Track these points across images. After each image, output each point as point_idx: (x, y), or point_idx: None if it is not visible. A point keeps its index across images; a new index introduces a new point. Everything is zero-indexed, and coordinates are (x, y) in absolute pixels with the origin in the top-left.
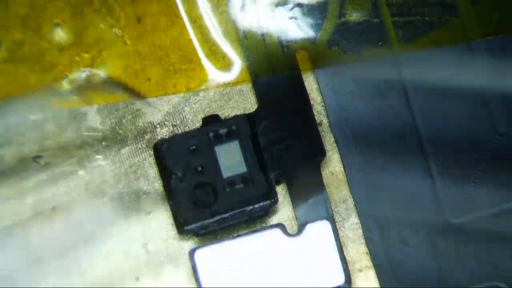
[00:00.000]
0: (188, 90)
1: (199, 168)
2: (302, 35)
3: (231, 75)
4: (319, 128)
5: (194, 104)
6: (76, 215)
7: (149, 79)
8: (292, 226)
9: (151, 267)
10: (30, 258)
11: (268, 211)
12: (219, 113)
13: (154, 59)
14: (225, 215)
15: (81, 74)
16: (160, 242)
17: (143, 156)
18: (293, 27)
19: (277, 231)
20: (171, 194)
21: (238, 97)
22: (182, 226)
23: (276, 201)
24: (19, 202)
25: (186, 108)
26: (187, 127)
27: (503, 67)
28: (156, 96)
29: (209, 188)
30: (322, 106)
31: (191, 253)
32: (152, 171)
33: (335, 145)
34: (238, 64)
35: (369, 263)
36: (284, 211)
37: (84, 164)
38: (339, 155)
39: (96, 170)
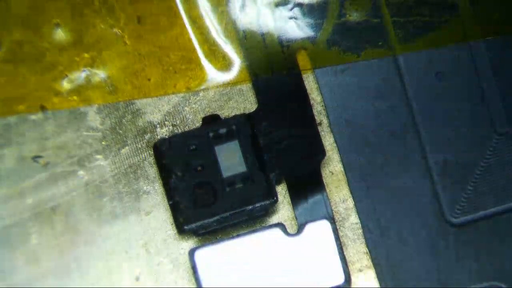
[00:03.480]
0: (188, 90)
1: (199, 168)
2: (302, 35)
3: (231, 75)
4: (319, 128)
5: (194, 104)
6: (76, 215)
7: (149, 79)
8: (292, 226)
9: (151, 267)
10: (30, 258)
11: (268, 211)
12: (219, 113)
13: (154, 59)
14: (225, 215)
15: (81, 74)
16: (160, 242)
17: (143, 156)
18: (293, 27)
19: (277, 231)
20: (171, 194)
21: (238, 97)
22: (182, 225)
23: (276, 201)
24: (19, 202)
25: (186, 108)
26: (187, 127)
27: (503, 67)
28: (156, 96)
29: (209, 188)
30: (322, 106)
31: (191, 253)
32: (152, 171)
33: (335, 145)
34: (238, 64)
35: (369, 263)
36: (284, 211)
37: (84, 164)
38: (339, 155)
39: (96, 170)
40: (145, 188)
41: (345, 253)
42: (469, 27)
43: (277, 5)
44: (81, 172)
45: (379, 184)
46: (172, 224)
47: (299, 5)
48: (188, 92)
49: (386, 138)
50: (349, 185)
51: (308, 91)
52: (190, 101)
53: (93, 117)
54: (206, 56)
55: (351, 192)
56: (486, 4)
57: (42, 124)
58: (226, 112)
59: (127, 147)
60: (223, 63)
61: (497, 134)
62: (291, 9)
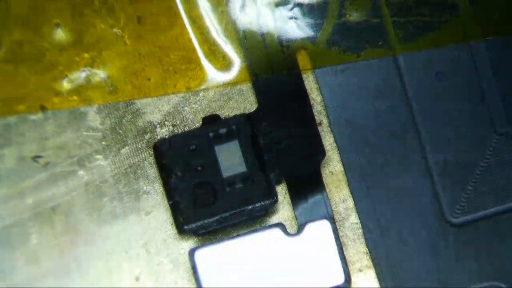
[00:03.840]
0: (188, 90)
1: (199, 168)
2: (302, 35)
3: (231, 75)
4: (319, 128)
5: (194, 104)
6: (76, 215)
7: (149, 79)
8: (292, 226)
9: (151, 267)
10: (30, 258)
11: (268, 211)
12: (219, 113)
13: (154, 59)
14: (225, 215)
15: (81, 74)
16: (160, 242)
17: (143, 156)
18: (293, 27)
19: (277, 231)
20: (171, 194)
21: (238, 97)
22: (182, 225)
23: (276, 201)
24: (19, 202)
25: (186, 108)
26: (187, 127)
27: (503, 67)
28: (156, 96)
29: (209, 188)
30: (322, 106)
31: (191, 253)
32: (152, 171)
33: (335, 145)
34: (238, 64)
35: (369, 263)
36: (284, 211)
37: (84, 164)
38: (339, 155)
39: (96, 170)
40: (145, 188)
41: (345, 253)
42: (469, 27)
43: (277, 5)
44: (81, 172)
45: (379, 184)
46: (172, 224)
47: (299, 5)
48: (188, 92)
49: (386, 138)
50: (349, 185)
51: (308, 91)
52: (190, 101)
53: (93, 117)
54: (206, 56)
55: (351, 192)
56: (486, 4)
57: (42, 124)
58: (226, 112)
59: (127, 147)
60: (223, 63)
61: (497, 134)
62: (291, 9)
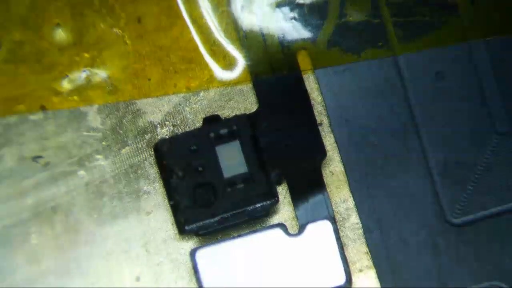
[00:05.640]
0: (188, 90)
1: (200, 168)
2: (303, 35)
3: (232, 75)
4: (320, 128)
5: (195, 104)
6: (76, 215)
7: (149, 79)
8: (292, 226)
9: (151, 267)
10: (30, 258)
11: (269, 211)
12: (219, 113)
13: (154, 59)
14: (226, 215)
15: (81, 74)
16: (160, 242)
17: (143, 156)
18: (293, 27)
19: (278, 231)
20: (171, 194)
21: (239, 97)
22: (182, 226)
23: (276, 201)
24: (19, 202)
25: (186, 108)
26: (187, 127)
27: (503, 67)
28: (157, 96)
29: (209, 188)
30: (323, 106)
31: (192, 253)
32: (152, 171)
33: (335, 145)
34: (238, 64)
35: (370, 263)
36: (285, 211)
37: (84, 164)
38: (339, 155)
39: (96, 170)
40: (145, 188)
41: (345, 253)
42: (469, 27)
43: (278, 5)
44: (81, 172)
45: (379, 184)
46: (172, 224)
47: (300, 5)
48: (188, 92)
49: (386, 138)
50: (349, 185)
51: (309, 91)
52: (190, 101)
53: (94, 117)
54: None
55: (352, 192)
56: (486, 4)
57: (42, 124)
58: (226, 112)
59: (127, 147)
60: (224, 63)
61: (497, 134)
62: (291, 10)
